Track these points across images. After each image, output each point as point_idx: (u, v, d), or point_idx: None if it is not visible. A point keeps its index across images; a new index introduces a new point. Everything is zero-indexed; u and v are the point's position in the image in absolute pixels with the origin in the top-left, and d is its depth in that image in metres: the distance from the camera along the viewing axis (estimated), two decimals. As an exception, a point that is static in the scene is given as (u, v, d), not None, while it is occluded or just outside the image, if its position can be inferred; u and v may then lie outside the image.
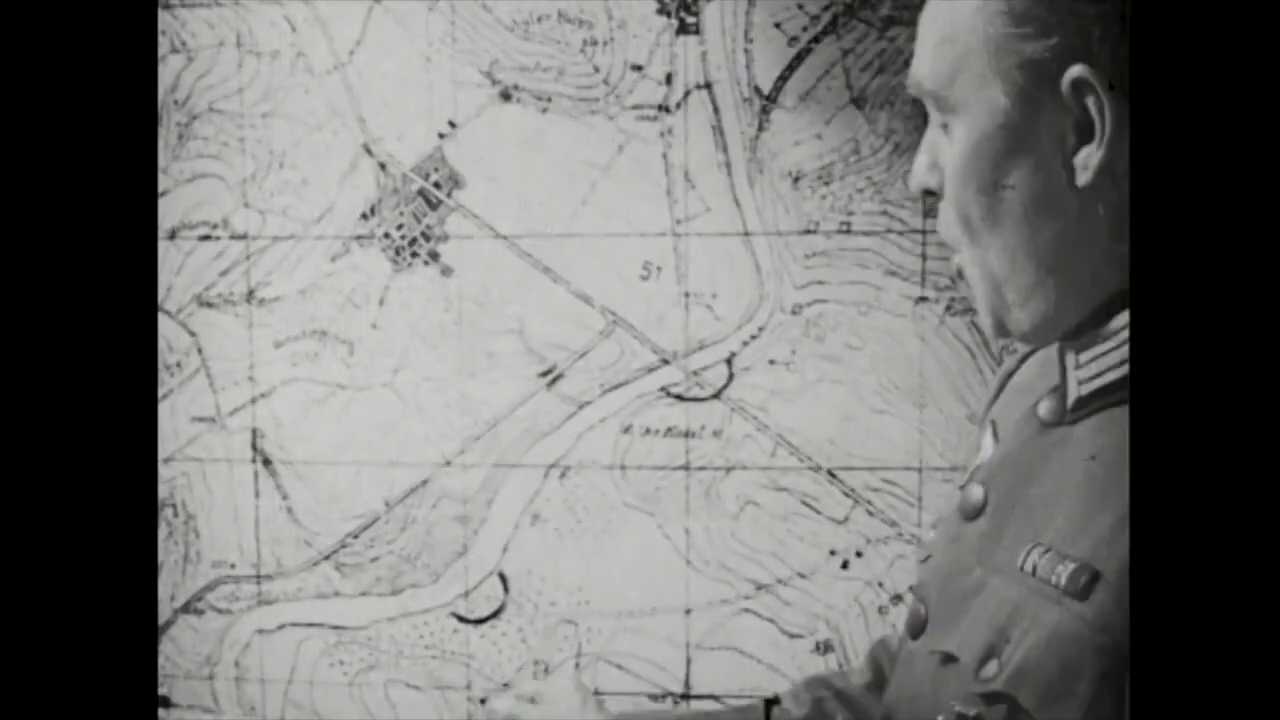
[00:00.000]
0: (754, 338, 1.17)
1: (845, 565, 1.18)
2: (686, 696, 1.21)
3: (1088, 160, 0.59)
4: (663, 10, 1.15)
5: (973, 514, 0.71)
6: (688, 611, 1.20)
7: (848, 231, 1.16)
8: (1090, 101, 0.58)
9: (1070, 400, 0.66)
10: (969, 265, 0.66)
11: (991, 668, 0.62)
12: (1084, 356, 0.64)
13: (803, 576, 1.19)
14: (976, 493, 0.71)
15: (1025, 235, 0.62)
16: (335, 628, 1.26)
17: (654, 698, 1.21)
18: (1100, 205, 0.60)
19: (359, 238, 1.22)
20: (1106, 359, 0.63)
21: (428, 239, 1.20)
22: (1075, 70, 0.57)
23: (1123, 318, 0.62)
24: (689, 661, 1.21)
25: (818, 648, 1.19)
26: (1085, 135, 0.59)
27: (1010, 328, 0.66)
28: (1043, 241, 0.62)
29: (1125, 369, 0.62)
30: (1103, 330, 0.63)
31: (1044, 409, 0.68)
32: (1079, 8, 0.58)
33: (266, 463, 1.25)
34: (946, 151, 0.65)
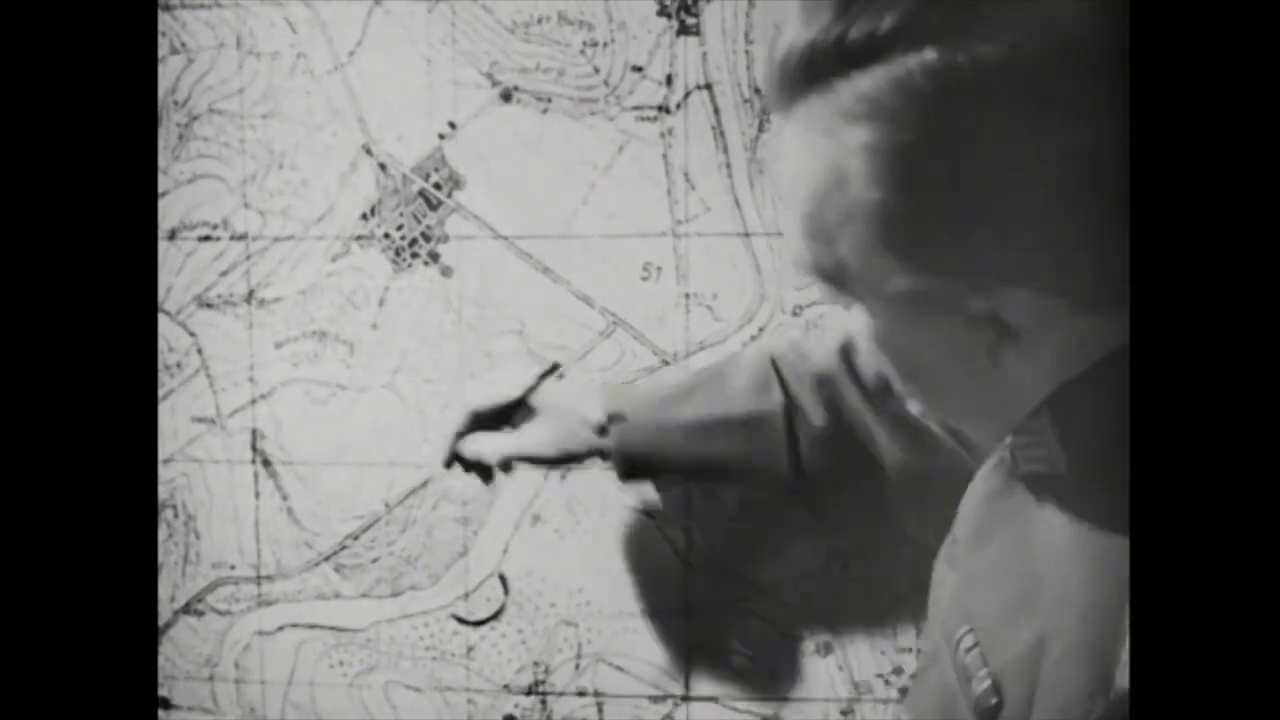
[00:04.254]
0: (754, 339, 1.17)
1: (845, 567, 1.18)
2: (687, 698, 1.21)
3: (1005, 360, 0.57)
4: (663, 12, 1.15)
5: (946, 565, 0.70)
6: (688, 613, 1.20)
7: (848, 232, 1.15)
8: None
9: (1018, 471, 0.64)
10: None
11: None
12: (1021, 439, 0.62)
13: (803, 578, 1.19)
14: (957, 536, 0.70)
15: (943, 391, 0.62)
16: (335, 629, 1.26)
17: (654, 699, 1.21)
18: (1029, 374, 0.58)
19: (359, 238, 1.22)
20: (1037, 449, 0.61)
21: (428, 239, 1.20)
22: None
23: (1044, 418, 0.59)
24: (689, 663, 1.21)
25: (817, 649, 1.19)
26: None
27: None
28: (959, 396, 0.61)
29: (1052, 464, 0.60)
30: (1031, 423, 0.60)
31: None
32: None
33: (266, 464, 1.25)
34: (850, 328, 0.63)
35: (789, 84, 0.55)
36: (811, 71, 0.54)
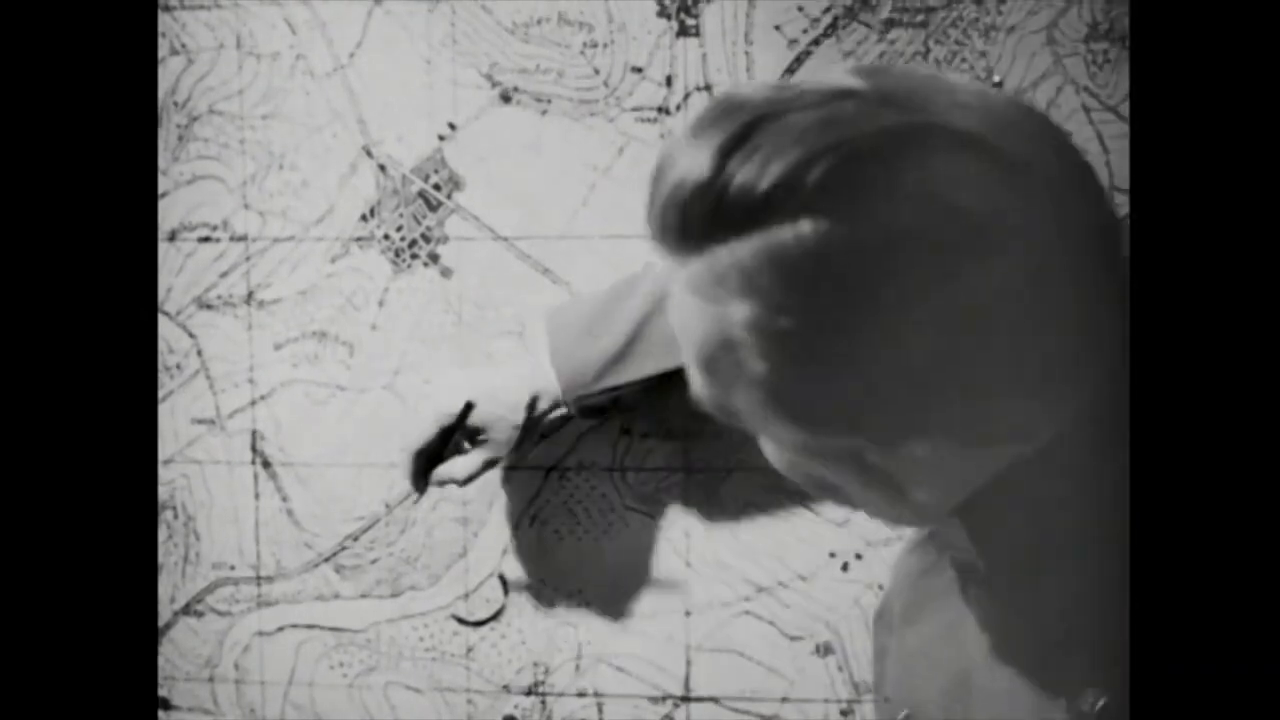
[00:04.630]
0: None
1: (845, 567, 1.18)
2: (686, 699, 1.21)
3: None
4: (663, 13, 1.15)
5: (886, 633, 0.70)
6: (687, 613, 1.20)
7: (848, 233, 1.15)
8: None
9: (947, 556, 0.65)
10: None
11: None
12: (938, 532, 0.63)
13: (803, 579, 1.19)
14: (891, 605, 0.70)
15: (855, 507, 0.62)
16: (335, 630, 1.26)
17: (654, 699, 1.21)
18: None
19: (359, 239, 1.22)
20: (955, 542, 0.61)
21: (428, 240, 1.20)
22: None
23: (955, 521, 0.60)
24: (689, 663, 1.21)
25: (817, 650, 1.19)
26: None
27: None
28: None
29: (971, 556, 0.60)
30: (945, 521, 0.61)
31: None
32: None
33: (266, 465, 1.25)
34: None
35: (670, 240, 0.54)
36: (688, 234, 0.53)
